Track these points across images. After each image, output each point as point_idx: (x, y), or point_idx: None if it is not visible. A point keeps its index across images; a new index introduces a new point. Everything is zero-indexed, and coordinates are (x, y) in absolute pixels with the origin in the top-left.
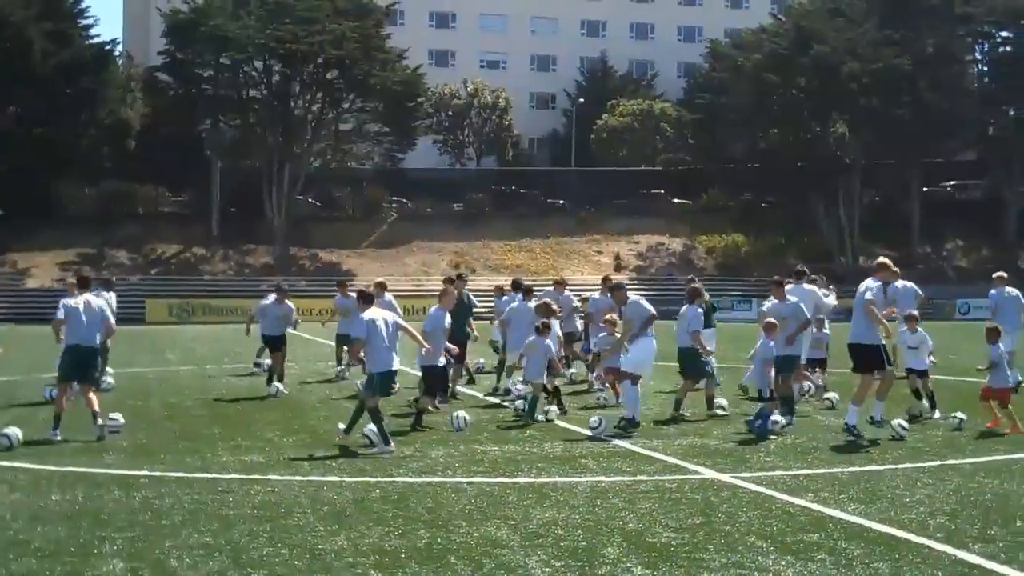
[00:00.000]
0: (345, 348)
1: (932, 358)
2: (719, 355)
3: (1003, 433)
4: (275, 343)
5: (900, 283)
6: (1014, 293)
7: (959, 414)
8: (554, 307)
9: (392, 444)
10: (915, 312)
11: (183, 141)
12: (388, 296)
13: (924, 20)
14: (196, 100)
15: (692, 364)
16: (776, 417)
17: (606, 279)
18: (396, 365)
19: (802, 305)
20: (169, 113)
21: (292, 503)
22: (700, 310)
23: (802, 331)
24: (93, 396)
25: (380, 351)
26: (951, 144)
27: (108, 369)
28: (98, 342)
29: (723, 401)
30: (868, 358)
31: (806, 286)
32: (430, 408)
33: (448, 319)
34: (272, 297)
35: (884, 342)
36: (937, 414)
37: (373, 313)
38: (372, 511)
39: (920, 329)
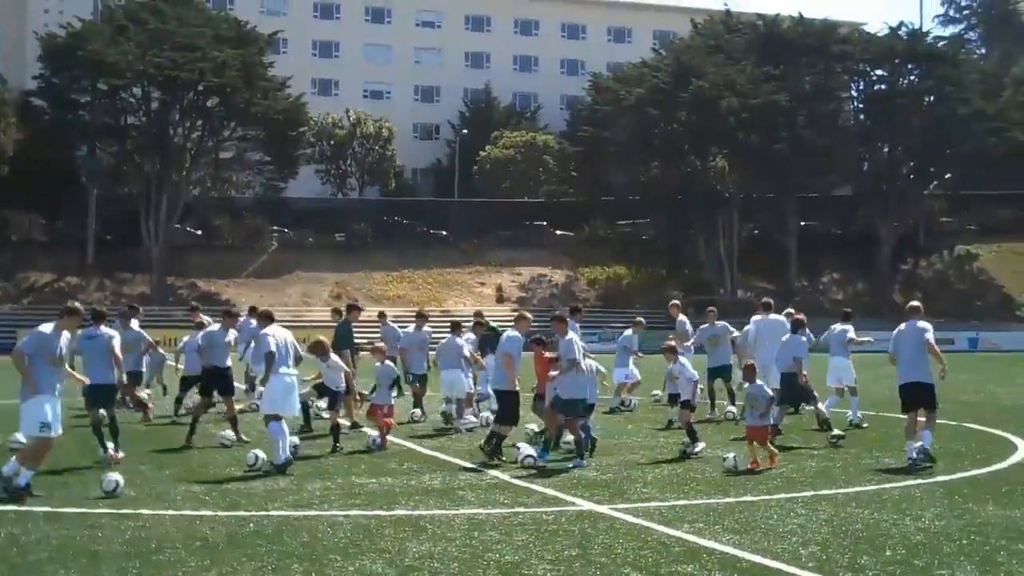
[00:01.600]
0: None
1: None
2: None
3: (763, 470)
4: (223, 378)
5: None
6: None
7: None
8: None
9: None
10: None
11: (58, 167)
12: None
13: (802, 58)
14: (72, 126)
15: (793, 389)
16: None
17: (476, 319)
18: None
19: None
20: (44, 138)
21: (163, 538)
22: (804, 339)
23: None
24: None
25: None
26: (827, 179)
27: None
28: None
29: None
30: (925, 396)
31: (772, 317)
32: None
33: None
34: (213, 324)
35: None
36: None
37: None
38: (245, 546)
39: None
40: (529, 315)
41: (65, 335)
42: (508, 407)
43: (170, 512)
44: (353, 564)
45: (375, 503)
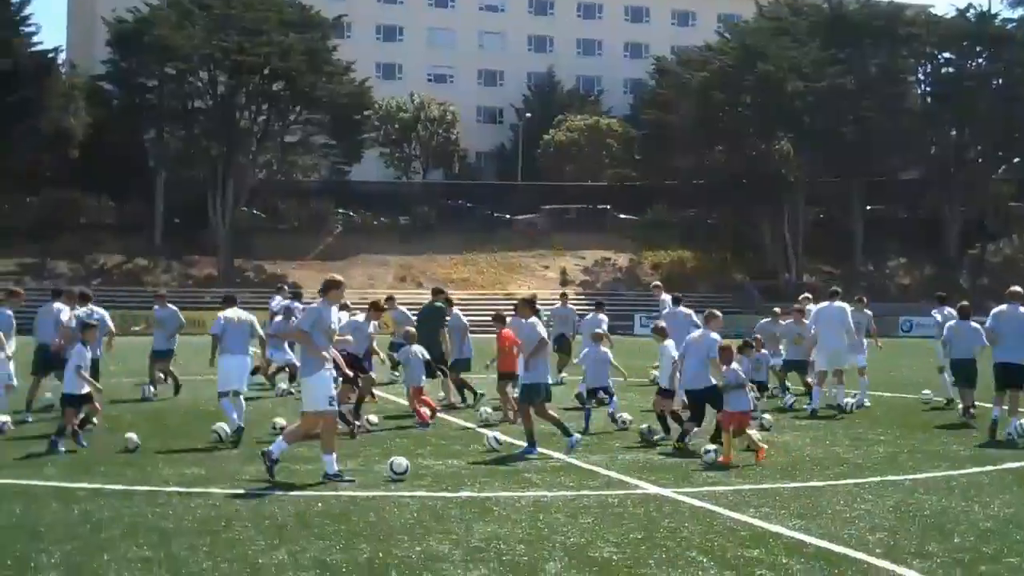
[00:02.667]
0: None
1: None
2: None
3: (734, 466)
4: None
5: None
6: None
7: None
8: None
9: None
10: None
11: (127, 151)
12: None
13: (868, 40)
14: (140, 110)
15: (971, 374)
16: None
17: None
18: None
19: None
20: (113, 123)
21: (232, 516)
22: (976, 326)
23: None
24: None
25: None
26: (894, 163)
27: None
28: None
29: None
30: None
31: (837, 304)
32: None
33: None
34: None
35: None
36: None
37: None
38: (313, 525)
39: None
40: (719, 314)
41: (334, 310)
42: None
43: (239, 491)
44: (419, 544)
45: (441, 484)
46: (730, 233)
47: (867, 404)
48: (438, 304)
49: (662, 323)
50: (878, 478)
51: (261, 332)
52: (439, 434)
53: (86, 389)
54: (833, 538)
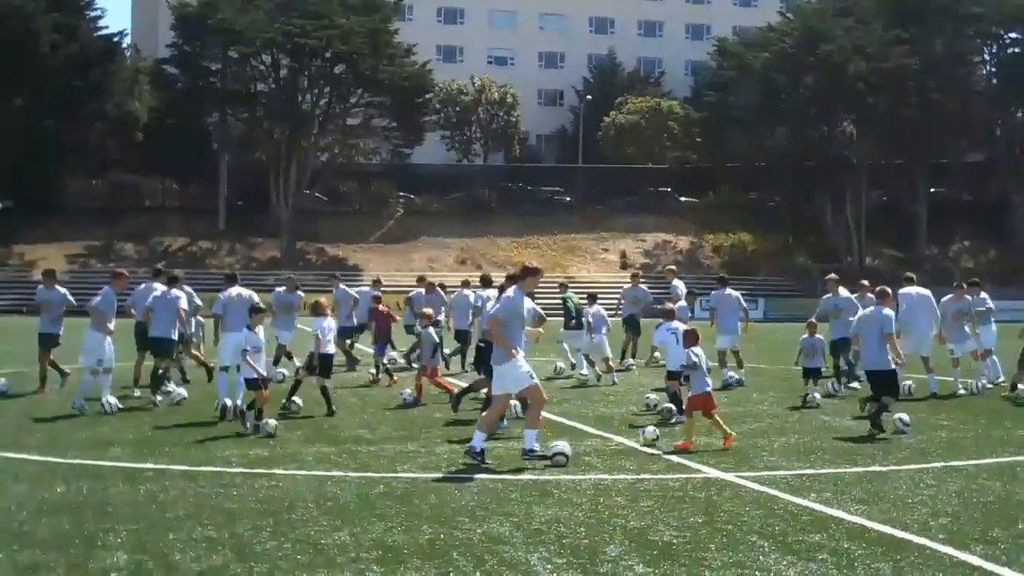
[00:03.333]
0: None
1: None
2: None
3: (691, 450)
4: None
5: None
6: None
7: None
8: None
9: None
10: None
11: (190, 134)
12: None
13: (933, 20)
14: (204, 93)
15: None
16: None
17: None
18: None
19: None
20: (177, 106)
21: (296, 498)
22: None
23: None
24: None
25: None
26: (959, 145)
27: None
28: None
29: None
30: None
31: (918, 290)
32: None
33: None
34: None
35: None
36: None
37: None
38: (375, 506)
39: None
40: (890, 290)
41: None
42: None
43: (302, 472)
44: (481, 527)
45: (502, 467)
46: (792, 216)
47: (988, 386)
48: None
49: (671, 305)
50: (941, 463)
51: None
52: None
53: (260, 372)
54: (895, 523)
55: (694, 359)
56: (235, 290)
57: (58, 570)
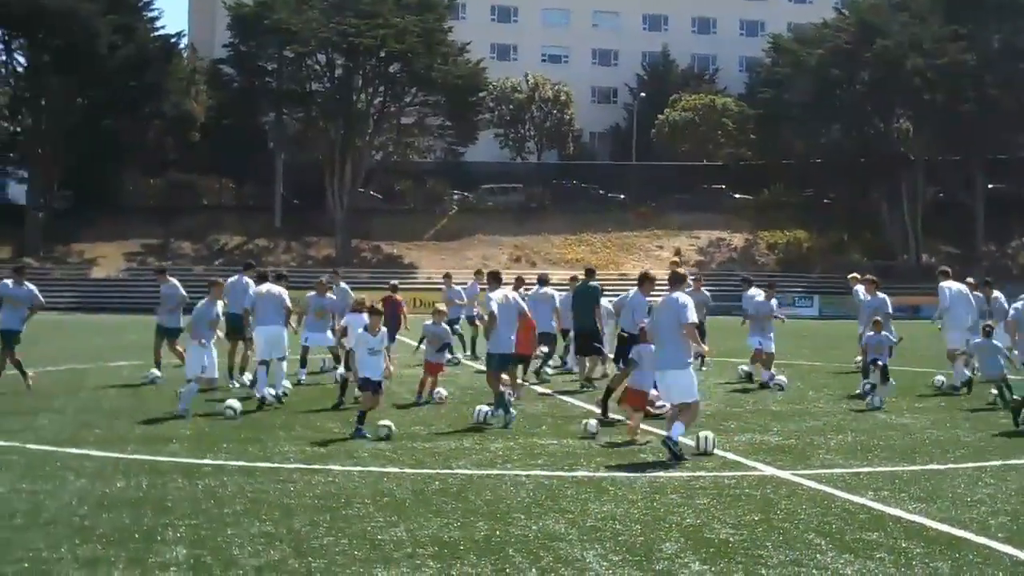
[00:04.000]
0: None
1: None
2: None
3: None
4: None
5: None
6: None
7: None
8: None
9: None
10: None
11: (246, 133)
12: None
13: (990, 15)
14: (259, 93)
15: None
16: None
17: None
18: None
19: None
20: (233, 105)
21: (352, 493)
22: None
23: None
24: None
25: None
26: (1017, 140)
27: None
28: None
29: None
30: None
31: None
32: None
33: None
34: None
35: None
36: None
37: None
38: (431, 503)
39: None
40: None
41: None
42: None
43: (358, 468)
44: (536, 523)
45: (557, 464)
46: (847, 213)
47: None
48: (592, 284)
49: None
50: (1000, 461)
51: (289, 305)
52: (555, 414)
53: (379, 376)
54: (954, 522)
55: (642, 356)
56: (265, 287)
57: (118, 564)
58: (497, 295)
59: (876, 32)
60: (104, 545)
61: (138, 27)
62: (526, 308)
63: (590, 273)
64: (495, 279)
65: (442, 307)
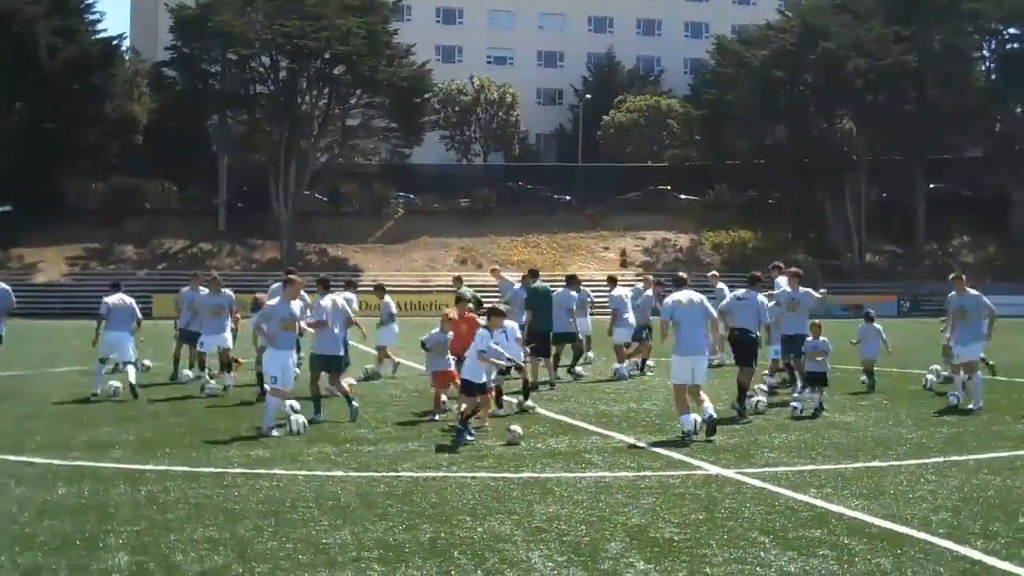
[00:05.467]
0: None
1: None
2: None
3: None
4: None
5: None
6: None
7: None
8: None
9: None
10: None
11: (190, 136)
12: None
13: (931, 16)
14: (203, 95)
15: None
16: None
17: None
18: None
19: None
20: (176, 108)
21: (297, 497)
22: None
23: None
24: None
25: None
26: (958, 141)
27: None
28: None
29: None
30: None
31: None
32: None
33: None
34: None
35: None
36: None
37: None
38: (376, 506)
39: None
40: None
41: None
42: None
43: (303, 473)
44: (482, 525)
45: (503, 466)
46: (791, 213)
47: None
48: (544, 284)
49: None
50: (941, 458)
51: (140, 316)
52: (500, 416)
53: (483, 378)
54: (896, 518)
55: (434, 340)
56: (118, 296)
57: (60, 572)
58: (326, 301)
59: (819, 33)
60: (45, 553)
61: (79, 29)
62: (352, 314)
63: (534, 274)
64: (323, 285)
65: (453, 314)
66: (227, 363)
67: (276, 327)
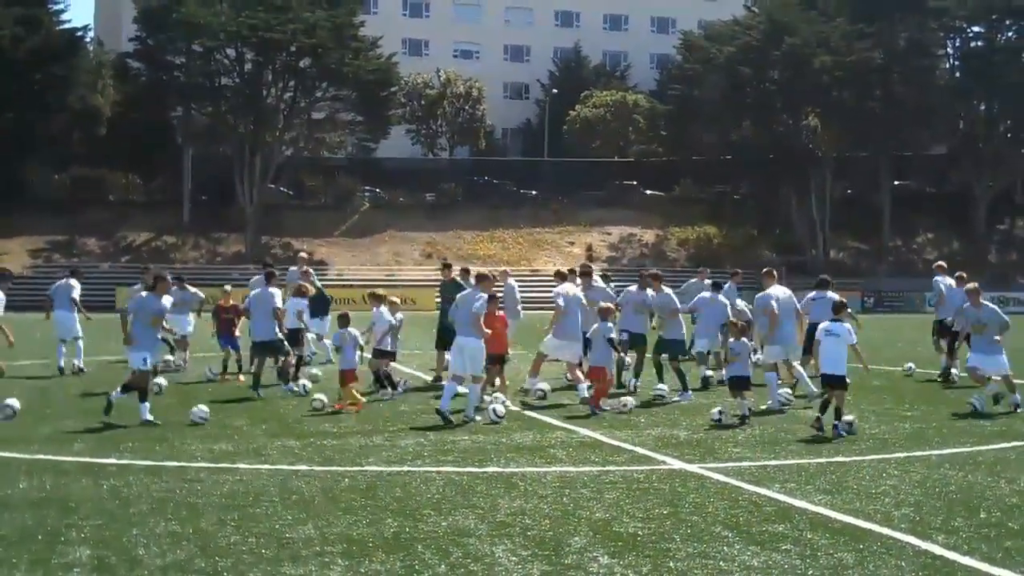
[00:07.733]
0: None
1: None
2: None
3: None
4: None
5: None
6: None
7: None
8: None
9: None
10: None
11: (154, 128)
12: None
13: (896, 14)
14: (167, 87)
15: None
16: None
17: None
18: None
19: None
20: (140, 100)
21: (260, 492)
22: None
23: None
24: None
25: None
26: (922, 138)
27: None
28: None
29: None
30: None
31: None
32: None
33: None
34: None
35: None
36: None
37: None
38: (340, 500)
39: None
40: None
41: None
42: None
43: (266, 467)
44: (446, 519)
45: (467, 460)
46: (757, 209)
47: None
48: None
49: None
50: (904, 454)
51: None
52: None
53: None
54: (858, 513)
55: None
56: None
57: (20, 566)
58: (256, 292)
59: (785, 30)
60: (6, 547)
61: (43, 19)
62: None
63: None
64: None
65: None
66: (184, 346)
67: (146, 320)
